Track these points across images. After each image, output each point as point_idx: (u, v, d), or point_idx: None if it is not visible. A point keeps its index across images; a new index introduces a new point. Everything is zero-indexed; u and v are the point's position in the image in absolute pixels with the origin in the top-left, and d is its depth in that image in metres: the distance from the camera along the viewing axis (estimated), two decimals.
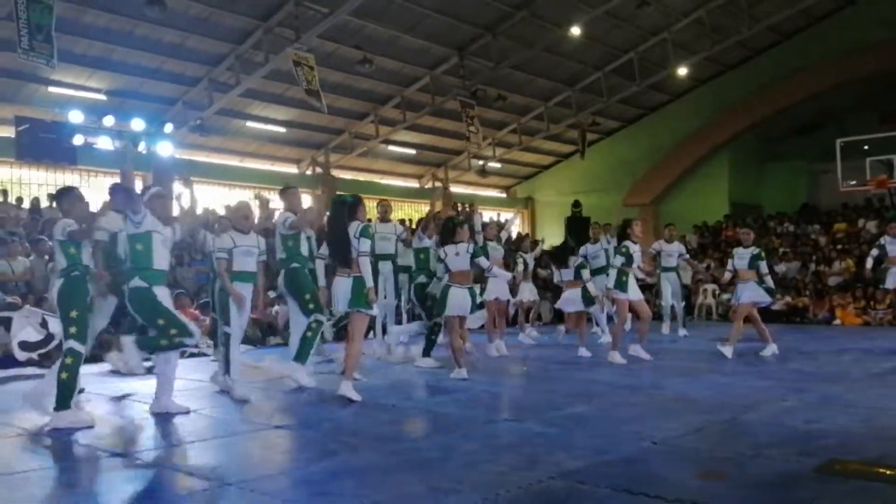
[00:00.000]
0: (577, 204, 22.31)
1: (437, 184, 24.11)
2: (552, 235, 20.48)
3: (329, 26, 14.73)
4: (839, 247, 18.79)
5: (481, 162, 23.57)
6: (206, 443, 4.58)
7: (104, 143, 14.15)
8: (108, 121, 13.77)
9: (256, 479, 3.69)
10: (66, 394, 4.96)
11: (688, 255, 12.28)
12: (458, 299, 7.09)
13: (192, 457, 4.22)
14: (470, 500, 3.29)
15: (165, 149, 14.84)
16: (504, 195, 26.89)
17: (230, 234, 6.34)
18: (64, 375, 4.97)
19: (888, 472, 3.67)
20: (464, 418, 5.21)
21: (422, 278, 8.15)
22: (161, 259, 5.39)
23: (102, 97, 15.34)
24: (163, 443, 4.55)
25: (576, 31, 17.19)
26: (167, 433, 4.87)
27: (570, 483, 3.55)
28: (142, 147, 14.34)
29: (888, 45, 18.80)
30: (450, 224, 7.40)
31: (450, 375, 7.10)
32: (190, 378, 7.65)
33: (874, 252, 10.35)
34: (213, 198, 18.93)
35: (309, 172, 20.87)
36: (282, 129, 19.03)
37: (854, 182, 17.84)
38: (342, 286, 5.85)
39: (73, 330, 5.05)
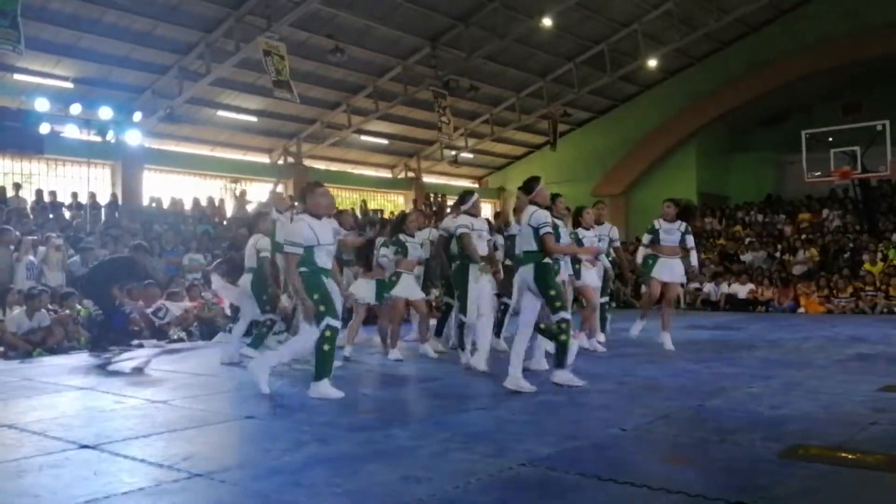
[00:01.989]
0: None
1: (410, 174, 24.10)
2: None
3: (300, 15, 14.63)
4: (804, 236, 19.14)
5: (454, 152, 23.58)
6: (175, 433, 4.56)
7: (71, 131, 13.95)
8: (76, 109, 13.57)
9: (227, 470, 3.69)
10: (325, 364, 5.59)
11: (619, 243, 9.80)
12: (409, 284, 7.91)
13: (162, 448, 4.20)
14: (441, 487, 3.32)
15: (134, 138, 14.65)
16: (476, 185, 26.93)
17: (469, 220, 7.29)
18: (326, 347, 5.56)
19: (849, 457, 3.77)
20: (435, 407, 5.24)
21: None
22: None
23: (69, 85, 15.10)
24: (132, 434, 4.52)
25: (547, 21, 17.27)
26: (136, 424, 4.84)
27: (541, 470, 3.60)
28: (110, 136, 14.15)
29: (852, 37, 19.15)
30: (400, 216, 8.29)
31: (388, 357, 7.77)
32: (160, 369, 7.61)
33: (646, 239, 8.39)
34: (184, 188, 18.77)
35: (281, 162, 20.73)
36: (253, 119, 18.88)
37: (819, 173, 18.18)
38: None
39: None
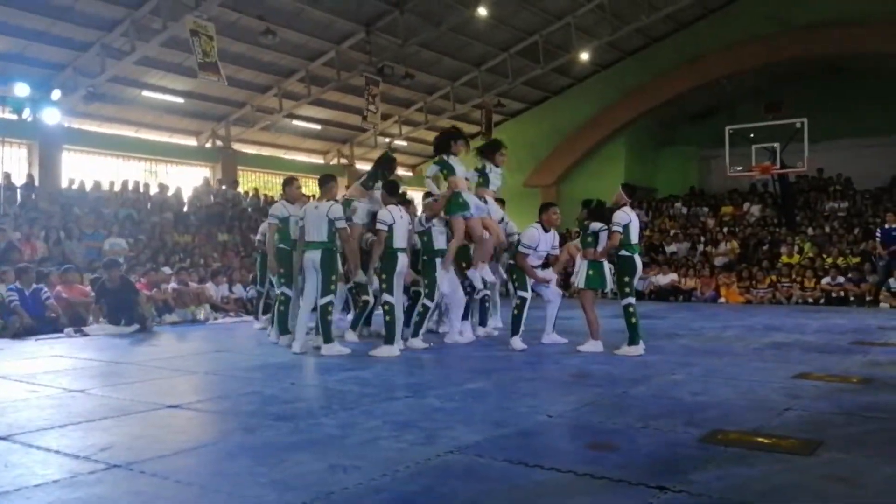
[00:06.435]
0: None
1: (343, 160, 23.84)
2: None
3: None
4: (726, 229, 19.77)
5: (387, 140, 23.43)
6: (93, 423, 4.40)
7: None
8: None
9: (148, 461, 3.58)
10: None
11: (516, 237, 8.50)
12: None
13: (78, 438, 4.05)
14: (370, 476, 3.30)
15: (52, 116, 14.06)
16: (410, 174, 26.84)
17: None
18: (388, 317, 7.15)
19: (765, 441, 3.91)
20: (364, 395, 5.21)
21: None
22: None
23: None
24: (46, 424, 4.34)
25: (483, 11, 17.28)
26: (51, 414, 4.66)
27: (469, 457, 3.61)
28: (26, 114, 13.56)
29: (774, 38, 19.81)
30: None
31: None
32: (78, 357, 7.34)
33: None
34: (106, 170, 18.14)
35: (209, 145, 20.22)
36: (180, 100, 18.33)
37: (741, 168, 18.83)
38: None
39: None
